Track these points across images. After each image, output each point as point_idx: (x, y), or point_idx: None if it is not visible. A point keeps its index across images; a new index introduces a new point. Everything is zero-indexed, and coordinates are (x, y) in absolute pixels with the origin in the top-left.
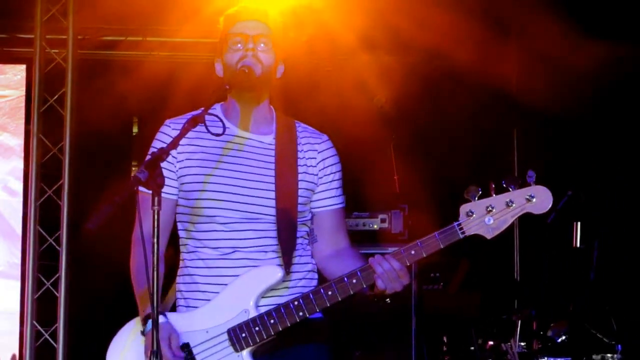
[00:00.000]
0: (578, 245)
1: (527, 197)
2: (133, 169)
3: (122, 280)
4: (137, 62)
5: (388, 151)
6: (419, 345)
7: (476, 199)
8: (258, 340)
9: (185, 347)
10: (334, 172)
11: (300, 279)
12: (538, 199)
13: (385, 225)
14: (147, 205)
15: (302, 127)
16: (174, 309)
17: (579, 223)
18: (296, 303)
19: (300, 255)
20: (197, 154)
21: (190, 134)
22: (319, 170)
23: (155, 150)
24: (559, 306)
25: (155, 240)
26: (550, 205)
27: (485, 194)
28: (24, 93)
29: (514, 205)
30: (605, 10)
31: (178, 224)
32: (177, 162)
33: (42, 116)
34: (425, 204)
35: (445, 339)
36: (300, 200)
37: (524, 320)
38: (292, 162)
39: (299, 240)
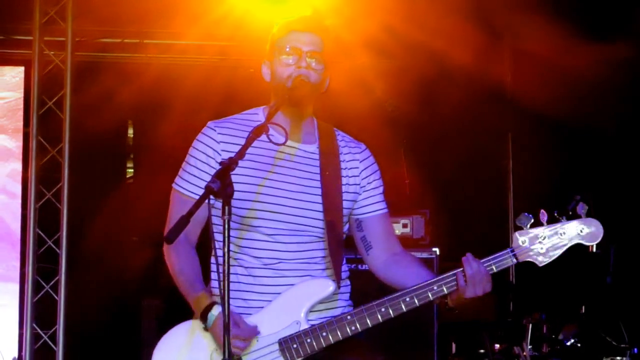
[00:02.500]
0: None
1: (579, 229)
2: (129, 170)
3: (120, 283)
4: (134, 65)
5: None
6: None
7: (528, 226)
8: (309, 352)
9: (237, 355)
10: (377, 179)
11: (345, 293)
12: (589, 231)
13: (407, 230)
14: (181, 207)
15: (342, 135)
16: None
17: None
18: (349, 318)
19: (345, 270)
20: (246, 162)
21: (237, 142)
22: (362, 179)
23: (199, 151)
24: (569, 310)
25: (226, 249)
26: (600, 238)
27: (536, 222)
28: (22, 95)
29: (565, 235)
30: (600, 11)
31: (214, 226)
32: None
33: (41, 118)
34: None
35: (453, 342)
36: (345, 211)
37: (535, 323)
38: (336, 171)
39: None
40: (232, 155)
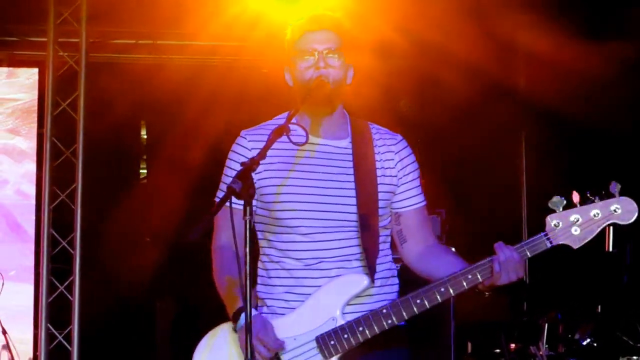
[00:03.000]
0: (610, 249)
1: (613, 208)
2: (142, 171)
3: (134, 283)
4: (147, 66)
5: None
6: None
7: (561, 209)
8: (347, 347)
9: (275, 354)
10: (414, 171)
11: (383, 286)
12: (623, 210)
13: None
14: (225, 215)
15: (376, 128)
16: None
17: (611, 227)
18: (385, 311)
19: (382, 262)
20: (274, 164)
21: (265, 143)
22: (398, 171)
23: (234, 162)
24: (585, 309)
25: (248, 250)
26: (635, 216)
27: (569, 204)
28: (36, 96)
29: (599, 215)
30: (612, 10)
31: (258, 233)
32: (255, 173)
33: (55, 120)
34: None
35: (469, 342)
36: (380, 204)
37: (550, 323)
38: (370, 165)
39: (381, 246)
40: (252, 156)
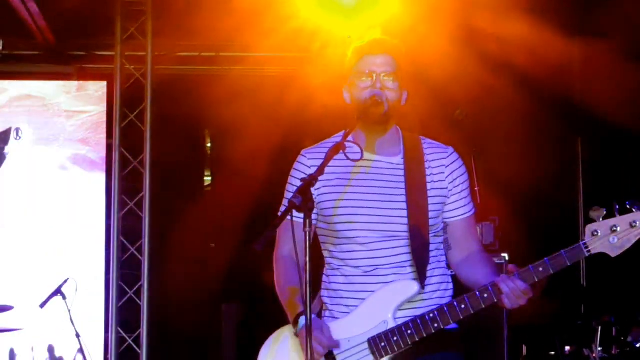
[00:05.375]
0: None
1: None
2: (206, 179)
3: (200, 288)
4: (211, 77)
5: (468, 163)
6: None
7: (601, 219)
8: (396, 349)
9: (329, 355)
10: (463, 183)
11: (435, 291)
12: None
13: None
14: (286, 228)
15: (428, 142)
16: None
17: None
18: (432, 315)
19: (435, 268)
20: (332, 180)
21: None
22: (449, 183)
23: (295, 179)
24: (638, 312)
25: (308, 259)
26: None
27: (610, 214)
28: (105, 109)
29: (637, 225)
30: None
31: (321, 244)
32: (315, 189)
33: (123, 131)
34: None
35: (524, 345)
36: (431, 214)
37: (604, 326)
38: (421, 178)
39: (432, 254)
40: (311, 173)
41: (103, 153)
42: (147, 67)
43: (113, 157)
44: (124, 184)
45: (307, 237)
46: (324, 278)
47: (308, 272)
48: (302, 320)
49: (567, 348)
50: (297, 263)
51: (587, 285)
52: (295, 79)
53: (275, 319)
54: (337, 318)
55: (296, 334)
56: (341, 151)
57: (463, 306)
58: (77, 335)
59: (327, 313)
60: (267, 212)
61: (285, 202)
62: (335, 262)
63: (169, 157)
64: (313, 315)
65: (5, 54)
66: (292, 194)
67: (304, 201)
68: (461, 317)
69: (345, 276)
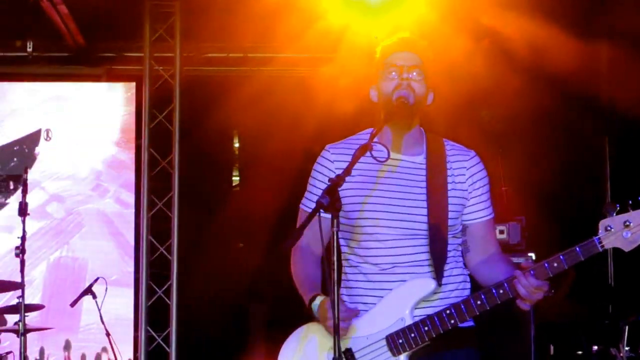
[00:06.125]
0: None
1: None
2: (234, 178)
3: (228, 288)
4: (239, 78)
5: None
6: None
7: (614, 214)
8: (414, 346)
9: (348, 352)
10: (483, 186)
11: (453, 290)
12: None
13: (504, 236)
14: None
15: (451, 145)
16: None
17: None
18: (448, 312)
19: (452, 268)
20: (355, 177)
21: (347, 160)
22: (469, 186)
23: (318, 173)
24: None
25: (335, 258)
26: None
27: (623, 210)
28: (134, 109)
29: None
30: None
31: (341, 240)
32: (340, 189)
33: (152, 131)
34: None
35: (551, 344)
36: (450, 215)
37: (631, 325)
38: (442, 179)
39: (450, 254)
40: (338, 173)
41: (132, 153)
42: (176, 68)
43: (142, 157)
44: (152, 184)
45: (335, 237)
46: (343, 276)
47: (336, 271)
48: (316, 300)
49: (595, 347)
50: (323, 260)
51: (614, 285)
52: (323, 79)
53: (302, 319)
54: (356, 316)
55: (313, 317)
56: (368, 152)
57: (479, 302)
58: (107, 334)
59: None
60: (295, 213)
61: (308, 195)
62: (354, 259)
63: (197, 158)
64: (324, 296)
65: (35, 56)
66: (314, 188)
67: (332, 202)
68: (477, 313)
69: (363, 274)
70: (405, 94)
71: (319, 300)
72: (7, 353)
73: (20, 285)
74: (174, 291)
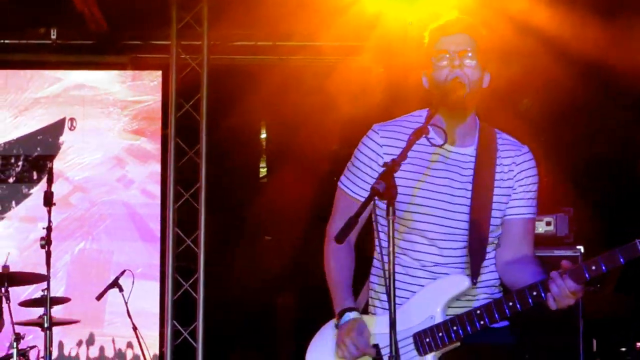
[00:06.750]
0: None
1: None
2: (261, 170)
3: (256, 281)
4: (267, 67)
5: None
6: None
7: None
8: (440, 346)
9: (375, 348)
10: (530, 184)
11: (489, 287)
12: None
13: (551, 228)
14: (346, 204)
15: (504, 137)
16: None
17: None
18: (478, 312)
19: (490, 264)
20: (405, 164)
21: (399, 145)
22: (515, 182)
23: (362, 154)
24: None
25: (391, 249)
26: None
27: None
28: (160, 98)
29: None
30: None
31: (378, 225)
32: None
33: (178, 121)
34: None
35: (594, 340)
36: (494, 213)
37: None
38: (489, 174)
39: (488, 255)
40: (395, 157)
41: (158, 143)
42: (204, 56)
43: (168, 147)
44: (179, 174)
45: (391, 226)
46: (376, 263)
47: (392, 263)
48: (346, 316)
49: (638, 344)
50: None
51: None
52: (352, 68)
53: (330, 312)
54: (387, 309)
55: (337, 326)
56: (424, 136)
57: (510, 303)
58: (134, 328)
59: (377, 302)
60: (324, 205)
61: (347, 173)
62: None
63: (223, 149)
64: (355, 315)
65: (59, 44)
66: (359, 170)
67: (388, 188)
68: (508, 315)
69: (402, 266)
70: (460, 74)
71: (348, 317)
72: (31, 347)
73: (45, 278)
74: (201, 284)
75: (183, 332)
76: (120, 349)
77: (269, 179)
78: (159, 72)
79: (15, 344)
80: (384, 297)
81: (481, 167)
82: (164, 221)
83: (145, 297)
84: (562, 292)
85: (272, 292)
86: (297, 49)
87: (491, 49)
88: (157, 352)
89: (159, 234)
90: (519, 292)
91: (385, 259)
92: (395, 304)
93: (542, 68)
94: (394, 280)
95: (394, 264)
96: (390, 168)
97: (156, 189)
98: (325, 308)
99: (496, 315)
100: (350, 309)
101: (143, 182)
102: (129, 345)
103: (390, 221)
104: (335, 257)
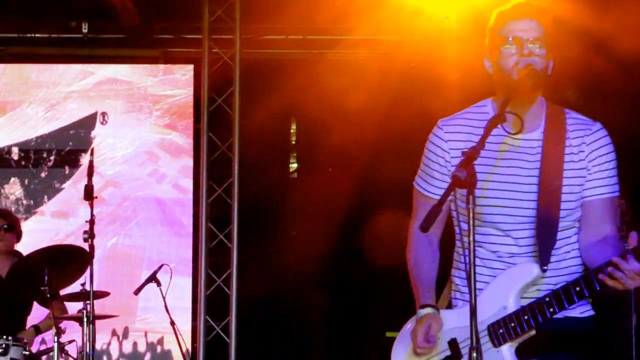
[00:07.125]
0: None
1: None
2: (292, 165)
3: (289, 275)
4: (298, 61)
5: None
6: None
7: None
8: (514, 336)
9: (453, 342)
10: (606, 162)
11: (563, 275)
12: None
13: None
14: (421, 204)
15: (573, 117)
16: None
17: None
18: (547, 299)
19: (565, 252)
20: (481, 155)
21: (464, 138)
22: (588, 162)
23: (431, 152)
24: None
25: (472, 238)
26: None
27: None
28: (192, 93)
29: None
30: None
31: (453, 219)
32: (452, 166)
33: (211, 115)
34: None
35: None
36: (564, 197)
37: None
38: (558, 157)
39: (559, 243)
40: (473, 145)
41: (190, 138)
42: (236, 50)
43: (201, 142)
44: (211, 169)
45: (471, 215)
46: (456, 256)
47: (472, 251)
48: (419, 313)
49: None
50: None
51: None
52: (385, 62)
53: (363, 308)
54: (467, 301)
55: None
56: (500, 124)
57: (578, 288)
58: (172, 323)
59: (458, 295)
60: (359, 201)
61: (421, 174)
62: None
63: (254, 144)
64: (427, 310)
65: (90, 37)
66: (428, 168)
67: (469, 175)
68: (576, 301)
69: (480, 258)
70: (532, 61)
71: (420, 314)
72: (70, 342)
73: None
74: (234, 280)
75: (216, 327)
76: (152, 343)
77: (299, 174)
78: (191, 66)
79: (55, 338)
80: (464, 289)
81: (549, 151)
82: (197, 216)
83: (177, 293)
84: (628, 274)
85: (306, 287)
86: (329, 43)
87: (558, 35)
88: (190, 347)
89: (191, 229)
90: (585, 276)
91: (466, 246)
92: (475, 293)
93: (588, 58)
94: (475, 267)
95: (474, 252)
96: (471, 155)
97: (188, 184)
98: (357, 304)
99: (565, 302)
100: (423, 306)
101: (175, 176)
102: (160, 341)
103: (470, 209)
104: (415, 255)
